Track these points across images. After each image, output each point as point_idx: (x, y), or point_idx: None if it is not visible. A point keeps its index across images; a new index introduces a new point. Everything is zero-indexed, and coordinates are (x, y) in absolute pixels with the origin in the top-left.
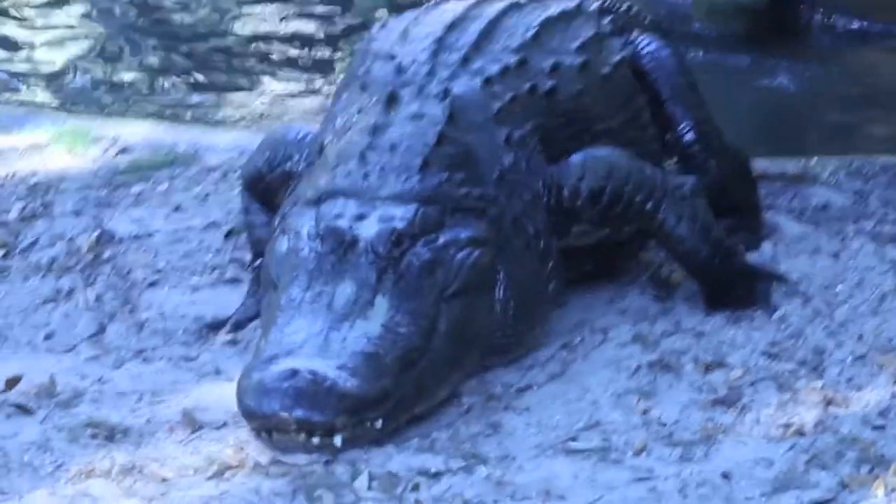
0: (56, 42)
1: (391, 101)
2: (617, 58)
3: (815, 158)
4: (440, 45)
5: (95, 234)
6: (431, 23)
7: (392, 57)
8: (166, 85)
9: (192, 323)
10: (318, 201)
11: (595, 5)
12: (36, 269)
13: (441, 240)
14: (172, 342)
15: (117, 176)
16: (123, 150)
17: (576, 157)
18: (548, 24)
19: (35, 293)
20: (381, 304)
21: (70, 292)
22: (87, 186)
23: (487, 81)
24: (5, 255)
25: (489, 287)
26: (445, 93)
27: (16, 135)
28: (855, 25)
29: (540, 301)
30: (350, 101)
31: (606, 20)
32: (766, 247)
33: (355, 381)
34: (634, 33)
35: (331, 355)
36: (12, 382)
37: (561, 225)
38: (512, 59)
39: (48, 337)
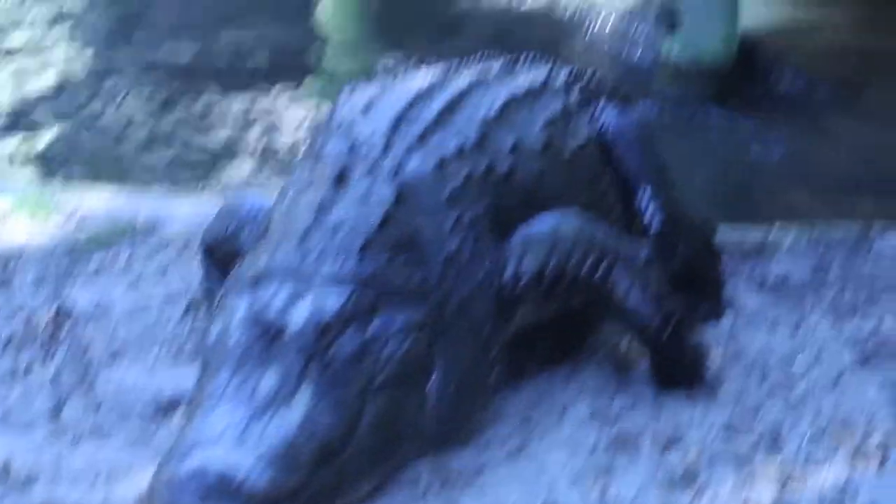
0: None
1: (340, 178)
2: (583, 136)
3: (776, 227)
4: (400, 119)
5: (54, 307)
6: (396, 94)
7: (350, 130)
8: (127, 151)
9: (151, 400)
10: (254, 283)
11: (562, 77)
12: None
13: (373, 326)
14: (130, 420)
15: (77, 246)
16: (84, 220)
17: (518, 235)
18: (513, 101)
19: None
20: (305, 394)
21: (28, 368)
22: (47, 257)
23: (442, 161)
24: None
25: (423, 376)
26: (397, 173)
27: None
28: (813, 88)
29: (481, 390)
30: (302, 176)
31: (574, 94)
32: (725, 319)
33: (267, 476)
34: (601, 105)
35: (246, 448)
36: None
37: (506, 308)
38: (471, 138)
39: (5, 414)
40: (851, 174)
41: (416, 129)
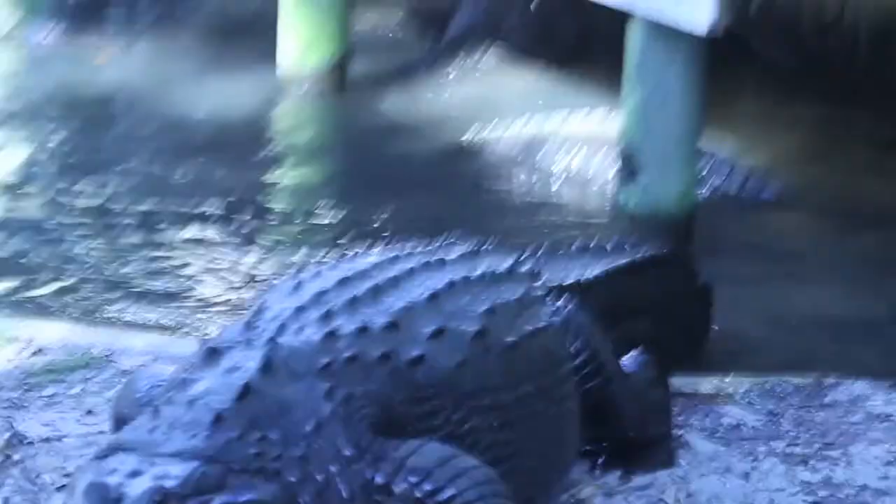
0: None
1: (210, 356)
2: (536, 325)
3: (729, 377)
4: (316, 300)
5: (6, 436)
6: (328, 277)
7: (260, 311)
8: (83, 285)
9: None
10: (103, 455)
11: (526, 265)
12: None
13: (216, 502)
14: None
15: (30, 377)
16: (38, 352)
17: (406, 448)
18: (457, 286)
19: None
20: None
21: None
22: (0, 386)
23: (331, 336)
24: None
25: None
26: (272, 345)
27: None
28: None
29: None
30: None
31: (537, 282)
32: (678, 465)
33: None
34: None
35: None
36: None
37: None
38: (380, 321)
39: None
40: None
41: (324, 308)
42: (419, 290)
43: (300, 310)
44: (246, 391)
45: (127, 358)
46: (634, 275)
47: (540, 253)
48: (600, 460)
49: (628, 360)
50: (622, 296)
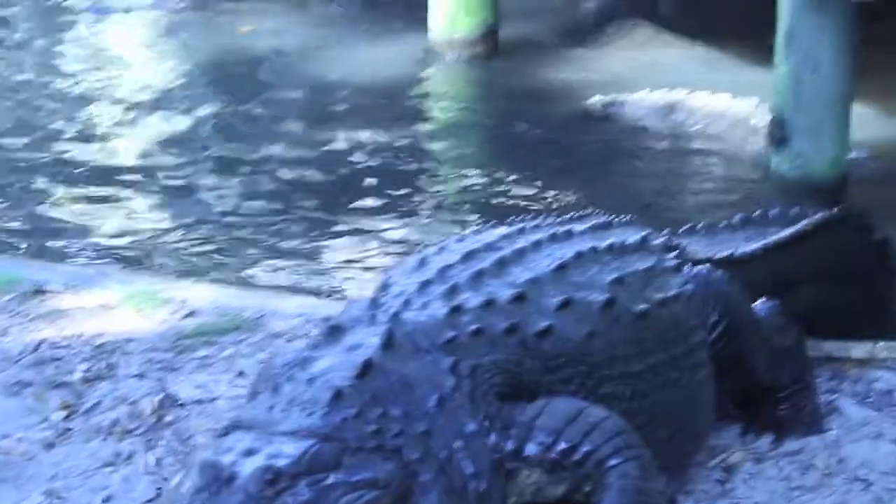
0: (124, 202)
1: (333, 333)
2: (666, 295)
3: (882, 342)
4: (441, 275)
5: (158, 397)
6: (455, 250)
7: (384, 287)
8: (234, 248)
9: None
10: (223, 433)
11: (661, 240)
12: (97, 432)
13: (330, 480)
14: None
15: (183, 339)
16: (190, 314)
17: (534, 408)
18: (584, 257)
19: (95, 456)
20: None
21: (130, 456)
22: (153, 349)
23: (456, 310)
24: (67, 417)
25: None
26: (395, 321)
27: (84, 295)
28: None
29: None
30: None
31: (671, 255)
32: (829, 430)
33: None
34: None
35: None
36: None
37: (504, 476)
38: (507, 293)
39: (107, 500)
40: None
41: (450, 282)
42: (546, 261)
43: (425, 285)
44: (366, 368)
45: (278, 321)
46: (808, 241)
47: (699, 226)
48: (750, 425)
49: (758, 307)
50: (796, 264)
